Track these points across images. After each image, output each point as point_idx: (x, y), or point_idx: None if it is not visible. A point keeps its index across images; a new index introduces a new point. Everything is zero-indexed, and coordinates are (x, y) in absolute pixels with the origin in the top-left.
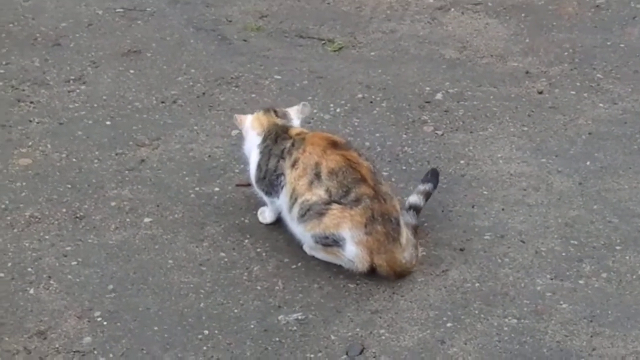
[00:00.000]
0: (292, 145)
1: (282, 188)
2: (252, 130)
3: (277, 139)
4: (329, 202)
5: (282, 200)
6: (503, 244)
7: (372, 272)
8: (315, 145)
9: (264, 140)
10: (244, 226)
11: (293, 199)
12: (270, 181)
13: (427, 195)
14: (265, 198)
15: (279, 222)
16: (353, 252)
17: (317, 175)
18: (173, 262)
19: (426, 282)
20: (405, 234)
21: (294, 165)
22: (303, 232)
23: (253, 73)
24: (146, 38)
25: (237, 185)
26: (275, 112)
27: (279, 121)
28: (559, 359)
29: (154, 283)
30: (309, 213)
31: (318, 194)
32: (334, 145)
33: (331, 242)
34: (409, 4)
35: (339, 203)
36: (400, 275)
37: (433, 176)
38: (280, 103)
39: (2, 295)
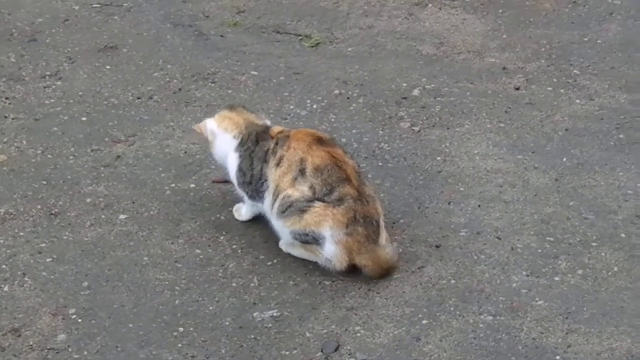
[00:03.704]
0: (276, 144)
1: (266, 191)
2: (224, 133)
3: (258, 140)
4: (312, 200)
5: (266, 202)
6: (479, 240)
7: (349, 271)
8: (300, 141)
9: (243, 143)
10: (220, 223)
11: (276, 195)
12: (256, 188)
13: None
14: (247, 200)
15: (255, 220)
16: (332, 251)
17: (302, 172)
18: (148, 259)
19: (402, 279)
20: (385, 235)
21: (279, 164)
22: (282, 228)
23: (230, 69)
24: (123, 34)
25: (214, 182)
26: (245, 108)
27: (257, 120)
28: (534, 356)
29: (129, 280)
30: (290, 209)
31: (302, 190)
32: (320, 141)
33: (311, 239)
34: (387, 0)
35: (322, 201)
36: (387, 272)
37: None
38: (257, 99)
39: None
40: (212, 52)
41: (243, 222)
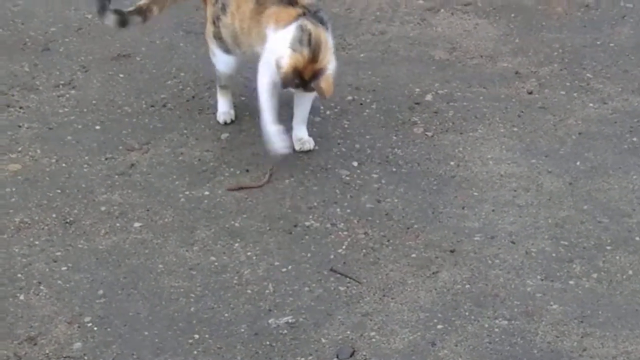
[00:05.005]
0: None
1: None
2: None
3: None
4: None
5: None
6: (493, 245)
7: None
8: None
9: None
10: (234, 230)
11: None
12: None
13: None
14: None
15: (269, 227)
16: None
17: None
18: (163, 267)
19: (416, 284)
20: None
21: None
22: None
23: (243, 76)
24: (135, 42)
25: (228, 189)
26: None
27: None
28: (549, 359)
29: (144, 288)
30: None
31: None
32: None
33: None
34: (399, 6)
35: None
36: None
37: None
38: None
39: None
40: None
41: (257, 229)
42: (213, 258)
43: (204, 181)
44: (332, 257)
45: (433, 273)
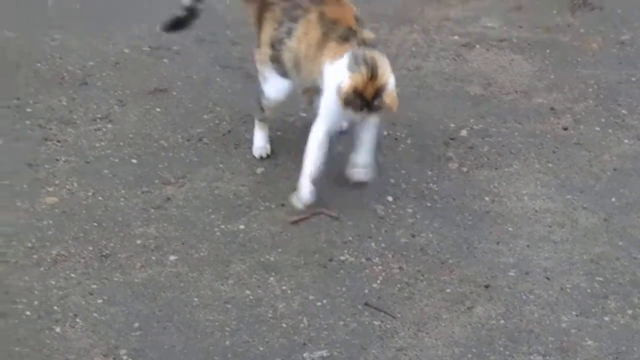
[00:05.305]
0: None
1: None
2: None
3: None
4: None
5: None
6: (528, 280)
7: None
8: None
9: None
10: (269, 264)
11: None
12: None
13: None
14: None
15: (304, 261)
16: None
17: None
18: (198, 300)
19: (451, 319)
20: None
21: None
22: None
23: (279, 111)
24: (172, 76)
25: (292, 222)
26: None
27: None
28: None
29: (179, 321)
30: None
31: None
32: None
33: None
34: (434, 41)
35: None
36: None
37: None
38: (305, 140)
39: (28, 333)
40: None
41: (293, 263)
42: (248, 292)
43: (240, 215)
44: (366, 291)
45: (468, 308)
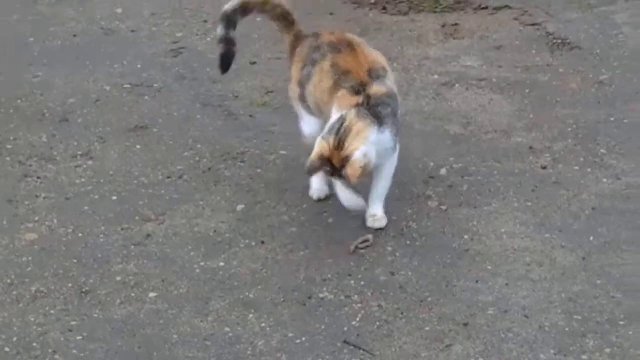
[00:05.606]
0: None
1: None
2: None
3: None
4: None
5: None
6: (507, 319)
7: None
8: None
9: None
10: (249, 301)
11: None
12: None
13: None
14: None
15: (284, 297)
16: None
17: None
18: (178, 337)
19: (430, 358)
20: None
21: None
22: None
23: (259, 148)
24: (153, 114)
25: (354, 250)
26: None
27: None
28: None
29: (158, 358)
30: None
31: None
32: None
33: None
34: (414, 80)
35: None
36: None
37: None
38: (285, 178)
39: None
40: (241, 131)
41: (272, 301)
42: (227, 329)
43: (220, 252)
44: (346, 329)
45: (446, 346)
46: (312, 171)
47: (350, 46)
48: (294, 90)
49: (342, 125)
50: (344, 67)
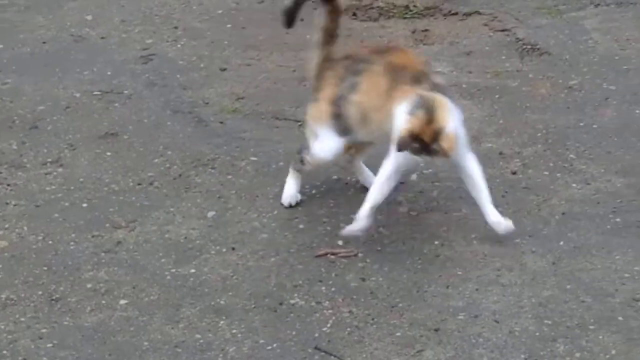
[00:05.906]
0: None
1: None
2: None
3: None
4: None
5: None
6: (477, 324)
7: None
8: None
9: None
10: (220, 307)
11: None
12: None
13: None
14: None
15: (255, 304)
16: None
17: None
18: (148, 344)
19: None
20: None
21: None
22: None
23: (229, 155)
24: (123, 120)
25: (317, 256)
26: None
27: None
28: None
29: None
30: None
31: None
32: None
33: None
34: None
35: None
36: None
37: None
38: (256, 185)
39: None
40: (212, 138)
41: (244, 307)
42: (198, 336)
43: (190, 259)
44: (316, 335)
45: (417, 352)
46: (403, 147)
47: (395, 48)
48: (323, 110)
49: (424, 99)
50: (399, 63)
